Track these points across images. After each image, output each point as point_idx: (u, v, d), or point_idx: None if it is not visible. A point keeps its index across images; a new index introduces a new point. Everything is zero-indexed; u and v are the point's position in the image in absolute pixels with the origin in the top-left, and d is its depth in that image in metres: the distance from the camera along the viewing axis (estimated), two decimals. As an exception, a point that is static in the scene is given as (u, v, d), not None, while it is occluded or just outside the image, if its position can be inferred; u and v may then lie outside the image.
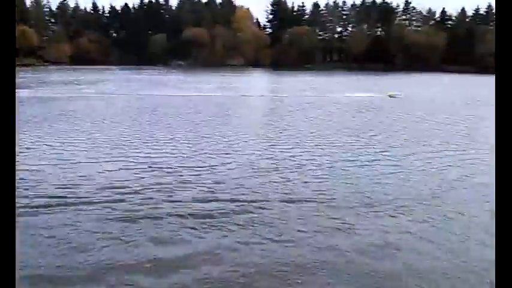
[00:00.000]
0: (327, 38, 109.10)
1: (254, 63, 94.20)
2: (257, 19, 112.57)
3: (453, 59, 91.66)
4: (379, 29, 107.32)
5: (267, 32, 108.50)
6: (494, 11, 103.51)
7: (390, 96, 31.13)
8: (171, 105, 24.39)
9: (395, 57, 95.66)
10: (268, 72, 73.27)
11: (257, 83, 48.42)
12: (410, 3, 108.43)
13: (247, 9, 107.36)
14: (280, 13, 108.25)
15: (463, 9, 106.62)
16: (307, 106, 24.86)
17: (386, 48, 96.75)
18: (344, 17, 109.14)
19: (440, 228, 7.03)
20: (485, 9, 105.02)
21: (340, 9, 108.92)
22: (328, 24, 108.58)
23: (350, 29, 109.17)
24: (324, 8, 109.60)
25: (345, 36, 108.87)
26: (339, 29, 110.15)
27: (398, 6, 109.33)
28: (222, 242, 6.36)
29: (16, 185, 8.36)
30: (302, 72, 70.69)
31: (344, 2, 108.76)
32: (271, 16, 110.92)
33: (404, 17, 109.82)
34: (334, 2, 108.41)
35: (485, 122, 19.62)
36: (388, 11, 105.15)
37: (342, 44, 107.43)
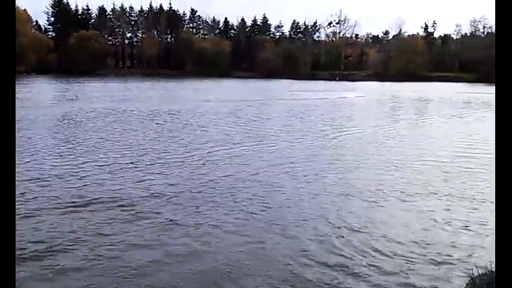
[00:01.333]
0: (117, 43, 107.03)
1: (38, 69, 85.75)
2: (36, 21, 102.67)
3: (238, 66, 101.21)
4: (169, 36, 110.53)
5: (50, 36, 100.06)
6: (270, 22, 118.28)
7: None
8: None
9: (185, 63, 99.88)
10: (54, 80, 67.77)
11: (41, 92, 44.52)
12: (196, 11, 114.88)
13: (24, 10, 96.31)
14: (63, 16, 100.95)
15: (242, 19, 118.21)
16: (99, 116, 24.47)
17: (177, 54, 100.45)
18: (132, 22, 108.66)
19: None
20: (261, 20, 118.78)
21: (127, 14, 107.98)
22: (116, 29, 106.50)
23: (140, 35, 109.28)
24: (110, 13, 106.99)
25: (136, 42, 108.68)
26: (128, 35, 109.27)
27: (185, 14, 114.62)
28: None
29: None
30: (93, 79, 67.79)
31: (131, 7, 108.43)
32: (52, 19, 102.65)
33: (191, 25, 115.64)
34: (121, 7, 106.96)
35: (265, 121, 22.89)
36: (176, 19, 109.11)
37: (134, 49, 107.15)
